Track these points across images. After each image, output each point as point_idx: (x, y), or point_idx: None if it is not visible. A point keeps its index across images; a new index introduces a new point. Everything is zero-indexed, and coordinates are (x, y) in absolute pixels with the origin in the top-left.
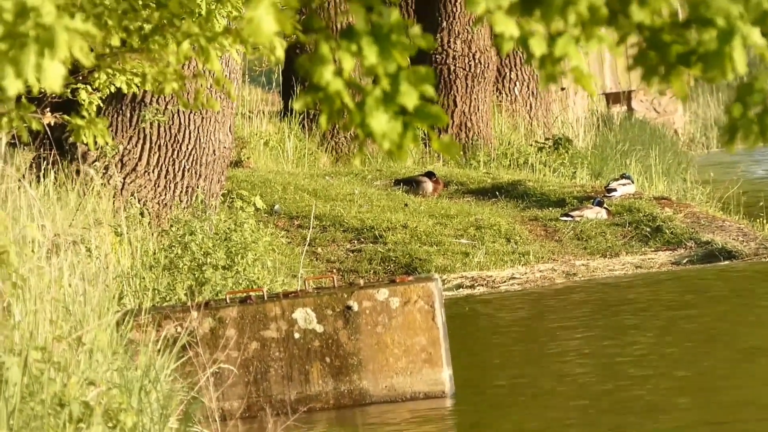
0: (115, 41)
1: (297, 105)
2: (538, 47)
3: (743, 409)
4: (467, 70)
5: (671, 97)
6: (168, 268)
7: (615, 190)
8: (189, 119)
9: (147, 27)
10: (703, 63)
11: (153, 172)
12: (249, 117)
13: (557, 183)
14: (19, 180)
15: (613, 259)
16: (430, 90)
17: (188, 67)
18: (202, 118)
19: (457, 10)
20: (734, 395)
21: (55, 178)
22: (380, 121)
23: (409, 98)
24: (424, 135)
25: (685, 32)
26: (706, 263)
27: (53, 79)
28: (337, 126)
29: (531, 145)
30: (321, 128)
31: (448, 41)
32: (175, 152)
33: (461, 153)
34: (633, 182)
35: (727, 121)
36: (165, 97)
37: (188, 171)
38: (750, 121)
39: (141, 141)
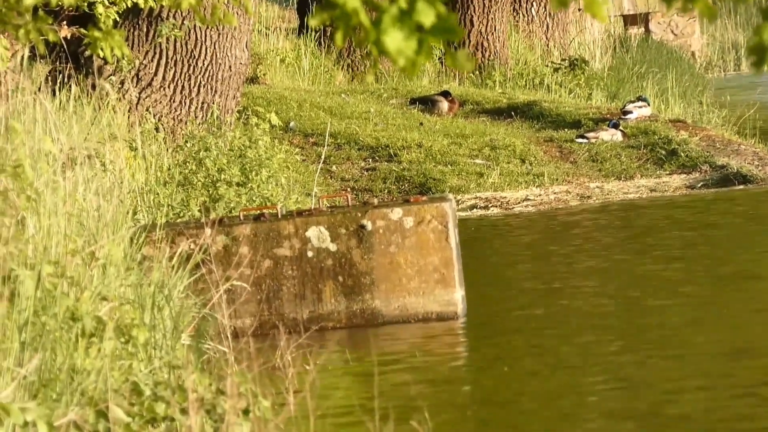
0: None
1: (313, 22)
2: None
3: (758, 336)
4: None
5: (689, 19)
6: (182, 184)
7: (631, 112)
8: (205, 35)
9: None
10: None
11: (169, 87)
12: (265, 33)
13: (573, 104)
14: (35, 93)
15: (628, 182)
16: (441, 8)
17: None
18: (219, 33)
19: None
20: (745, 320)
21: (71, 91)
22: (396, 39)
23: (426, 15)
24: (441, 53)
25: None
26: (721, 187)
27: None
28: (353, 43)
29: (547, 65)
30: (336, 45)
31: None
32: (191, 68)
33: (476, 70)
34: (649, 104)
35: (755, 43)
36: (182, 12)
37: (204, 87)
38: None
39: (157, 56)
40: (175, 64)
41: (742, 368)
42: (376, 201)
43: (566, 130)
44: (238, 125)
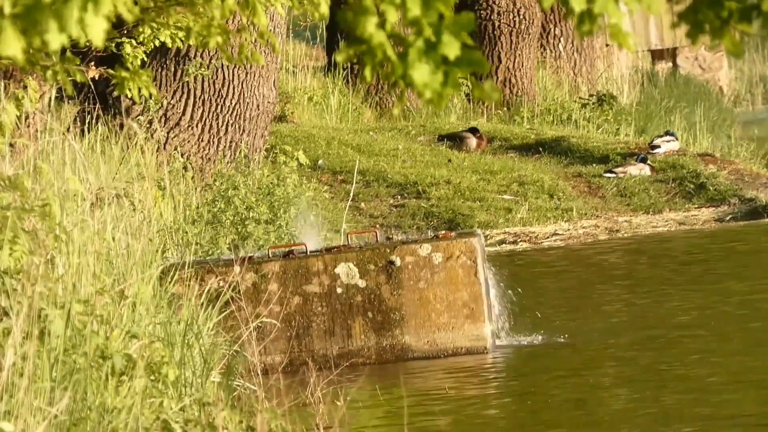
0: None
1: (339, 58)
2: (578, 3)
3: None
4: (512, 26)
5: (715, 53)
6: (211, 222)
7: (659, 146)
8: (233, 74)
9: None
10: (765, 19)
11: (197, 126)
12: (293, 72)
13: (601, 139)
14: (64, 133)
15: (657, 216)
16: (467, 39)
17: (232, 21)
18: (246, 72)
19: None
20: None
21: (99, 132)
22: (422, 73)
23: (451, 48)
24: (468, 89)
25: None
26: (750, 220)
27: (96, 33)
28: (380, 81)
29: (575, 101)
30: (366, 81)
31: None
32: (219, 107)
33: (504, 106)
34: (677, 139)
35: None
36: (209, 52)
37: (232, 125)
38: None
39: (185, 95)
40: (202, 104)
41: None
42: (397, 236)
43: (594, 165)
44: (267, 163)
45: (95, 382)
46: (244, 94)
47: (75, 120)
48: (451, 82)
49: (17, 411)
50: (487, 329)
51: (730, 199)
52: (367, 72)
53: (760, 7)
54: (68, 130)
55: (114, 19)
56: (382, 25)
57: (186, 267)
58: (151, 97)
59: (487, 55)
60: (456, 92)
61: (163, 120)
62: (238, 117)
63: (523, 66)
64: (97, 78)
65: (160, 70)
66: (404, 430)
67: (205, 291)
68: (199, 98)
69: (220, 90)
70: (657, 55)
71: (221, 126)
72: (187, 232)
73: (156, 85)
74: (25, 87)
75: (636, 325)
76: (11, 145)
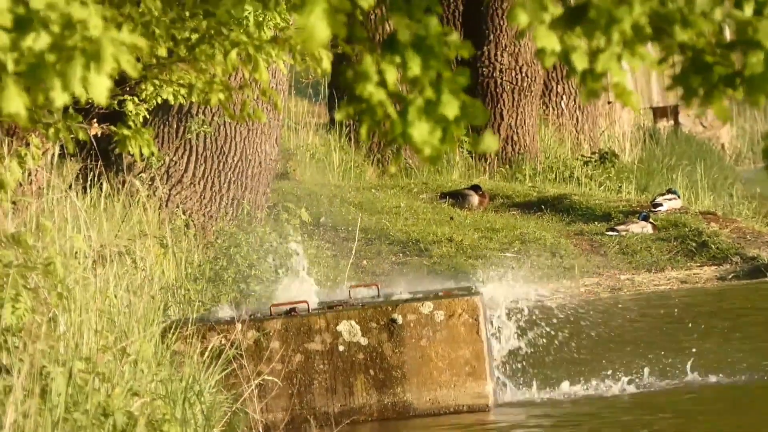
0: (162, 52)
1: (339, 116)
2: (580, 62)
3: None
4: (514, 83)
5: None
6: (213, 279)
7: (661, 204)
8: (235, 131)
9: (194, 37)
10: (747, 86)
11: (199, 183)
12: (295, 129)
13: (603, 197)
14: (66, 191)
15: (659, 274)
16: (466, 98)
17: (235, 78)
18: (249, 129)
19: (503, 24)
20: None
21: (101, 189)
22: (422, 131)
23: (451, 108)
24: (468, 143)
25: (729, 54)
26: (752, 279)
27: (99, 92)
28: (378, 136)
29: (577, 158)
30: (361, 139)
31: (495, 54)
32: (221, 164)
33: (506, 164)
34: (679, 197)
35: (766, 145)
36: (211, 109)
37: (234, 183)
38: None
39: (187, 152)
40: (205, 161)
41: None
42: (400, 292)
43: (596, 223)
44: (269, 221)
45: None
46: (246, 151)
47: (77, 177)
48: (448, 139)
49: None
50: (489, 387)
51: (732, 258)
52: (363, 131)
53: (742, 73)
54: (70, 187)
55: (117, 76)
56: (382, 83)
57: (188, 325)
58: (153, 155)
59: (489, 113)
60: (452, 148)
61: (165, 177)
62: (240, 174)
63: (525, 123)
64: (99, 135)
65: (162, 127)
66: None
67: (207, 349)
68: (201, 155)
69: (222, 147)
70: (659, 112)
71: (223, 183)
72: (189, 290)
73: (158, 142)
74: (27, 144)
75: (641, 385)
76: (14, 202)
